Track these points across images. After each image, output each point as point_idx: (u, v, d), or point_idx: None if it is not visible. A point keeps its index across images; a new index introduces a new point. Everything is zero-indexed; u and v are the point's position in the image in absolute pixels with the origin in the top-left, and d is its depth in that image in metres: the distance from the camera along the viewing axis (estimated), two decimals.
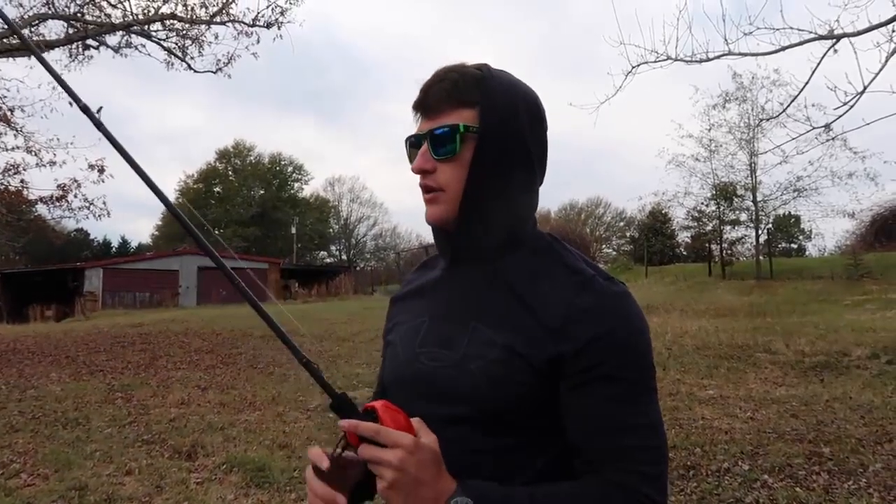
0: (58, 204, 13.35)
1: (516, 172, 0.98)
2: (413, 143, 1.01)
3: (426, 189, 0.99)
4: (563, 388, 0.90)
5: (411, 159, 1.00)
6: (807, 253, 34.24)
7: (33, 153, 13.06)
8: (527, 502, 0.84)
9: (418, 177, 1.00)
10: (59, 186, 13.29)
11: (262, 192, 54.51)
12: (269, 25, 12.92)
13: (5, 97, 12.49)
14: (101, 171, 13.45)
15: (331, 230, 57.60)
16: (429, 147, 0.97)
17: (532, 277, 0.96)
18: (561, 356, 0.89)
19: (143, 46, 13.15)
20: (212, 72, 13.49)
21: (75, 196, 13.35)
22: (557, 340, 0.89)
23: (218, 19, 12.81)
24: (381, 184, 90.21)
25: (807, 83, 6.40)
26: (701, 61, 6.50)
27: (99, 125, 1.00)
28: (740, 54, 6.34)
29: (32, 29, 11.67)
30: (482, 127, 0.95)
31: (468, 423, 0.92)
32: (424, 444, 0.84)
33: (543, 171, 1.04)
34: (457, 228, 0.99)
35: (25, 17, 11.27)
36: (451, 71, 0.98)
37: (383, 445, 0.82)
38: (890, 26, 5.52)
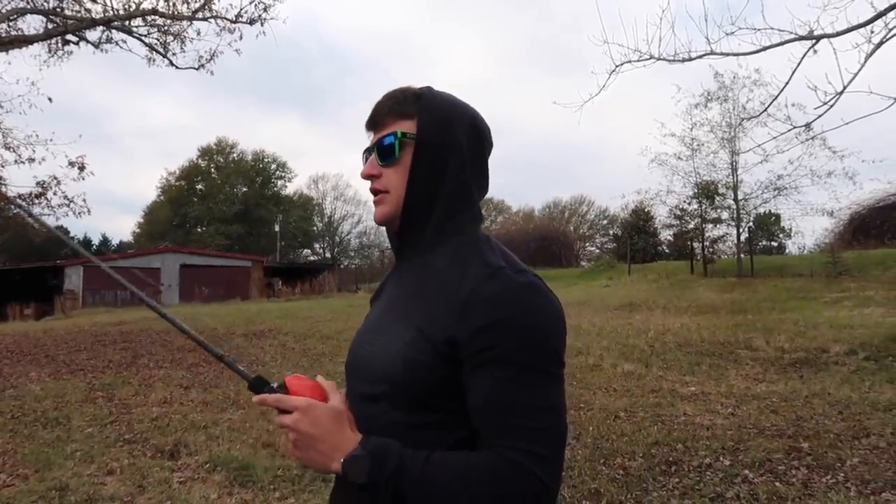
0: (37, 201, 13.17)
1: (450, 177, 1.09)
2: (366, 157, 1.15)
3: (374, 192, 1.13)
4: (463, 371, 0.97)
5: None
6: (787, 251, 34.66)
7: (12, 150, 12.91)
8: (420, 461, 0.93)
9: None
10: (38, 183, 13.14)
11: (245, 189, 54.22)
12: (252, 22, 12.84)
13: None
14: (82, 168, 13.32)
15: (314, 228, 57.40)
16: (375, 156, 1.11)
17: (448, 267, 1.04)
18: (457, 338, 0.96)
19: (124, 42, 13.01)
20: (194, 68, 13.39)
21: (55, 193, 13.21)
22: (457, 324, 0.96)
23: (200, 15, 12.70)
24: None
25: (787, 83, 6.49)
26: (683, 61, 6.57)
27: None
28: (722, 54, 6.41)
29: (10, 24, 11.50)
30: (419, 134, 1.08)
31: (386, 400, 1.02)
32: (319, 404, 0.99)
33: (481, 183, 1.15)
34: (399, 226, 1.12)
35: (3, 11, 11.09)
36: (395, 90, 1.13)
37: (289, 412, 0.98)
38: (868, 27, 5.60)
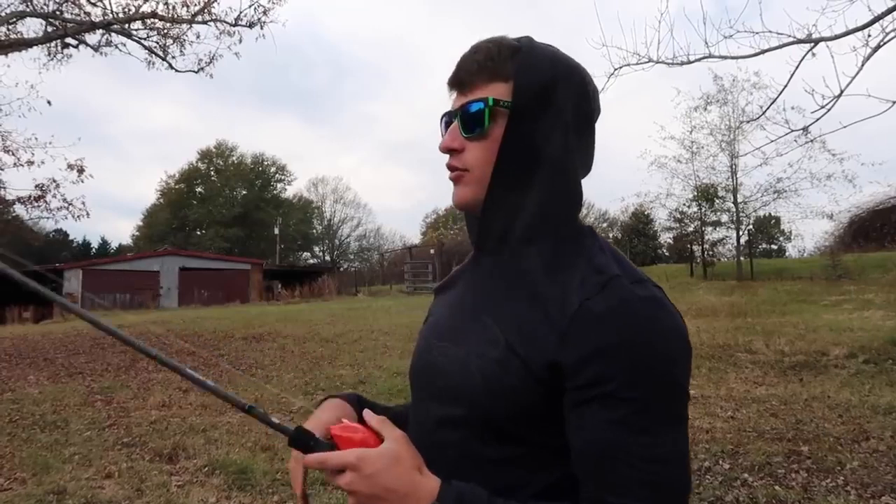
0: (36, 204, 13.19)
1: (550, 155, 0.88)
2: (447, 122, 0.94)
3: (451, 168, 0.92)
4: (565, 403, 0.79)
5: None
6: (787, 254, 34.73)
7: (11, 153, 12.92)
8: None
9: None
10: (37, 186, 13.14)
11: (244, 192, 54.22)
12: (251, 25, 12.85)
13: None
14: (81, 171, 13.33)
15: (314, 231, 57.41)
16: (459, 124, 0.91)
17: (549, 271, 0.86)
18: (561, 364, 0.78)
19: (124, 45, 13.02)
20: (193, 71, 13.40)
21: (54, 196, 13.23)
22: (560, 345, 0.79)
23: (200, 18, 12.72)
24: (365, 184, 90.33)
25: (785, 86, 6.48)
26: (682, 64, 6.55)
27: None
28: (720, 57, 6.40)
29: (10, 27, 11.51)
30: (515, 101, 0.87)
31: (465, 427, 0.86)
32: (372, 453, 0.78)
33: (586, 159, 0.95)
34: (483, 214, 0.92)
35: (2, 14, 11.10)
36: (487, 42, 0.91)
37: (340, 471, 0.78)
38: (866, 31, 5.60)
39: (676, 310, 0.83)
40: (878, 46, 5.59)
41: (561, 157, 0.89)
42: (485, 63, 0.88)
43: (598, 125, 0.97)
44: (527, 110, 0.87)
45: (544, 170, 0.88)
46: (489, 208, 0.90)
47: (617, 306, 0.78)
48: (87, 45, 12.80)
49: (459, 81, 0.91)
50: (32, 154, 12.98)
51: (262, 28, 12.88)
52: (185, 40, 13.14)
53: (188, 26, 12.96)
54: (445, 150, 0.92)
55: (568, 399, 0.79)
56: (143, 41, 12.98)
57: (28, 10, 11.46)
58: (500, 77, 0.88)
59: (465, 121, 0.89)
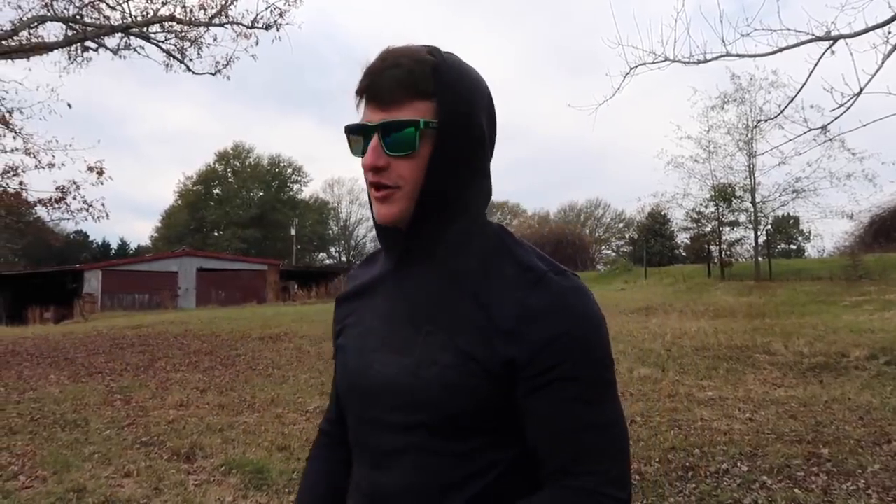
0: (56, 206, 13.35)
1: (474, 165, 0.93)
2: (355, 130, 0.92)
3: (378, 186, 0.90)
4: (519, 391, 0.86)
5: (355, 150, 0.93)
6: (806, 254, 34.32)
7: (32, 155, 13.07)
8: None
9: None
10: (57, 188, 13.30)
11: (261, 193, 54.55)
12: (267, 27, 12.94)
13: (4, 99, 12.50)
14: (100, 172, 13.47)
15: (330, 232, 57.65)
16: (380, 140, 0.88)
17: (483, 276, 0.90)
18: (515, 359, 0.85)
19: (142, 48, 13.16)
20: (211, 73, 13.51)
21: (74, 198, 13.37)
22: (511, 342, 0.85)
23: (216, 21, 12.82)
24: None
25: (804, 85, 6.42)
26: (699, 62, 6.51)
27: None
28: (738, 56, 6.35)
29: (31, 31, 11.68)
30: (441, 122, 0.88)
31: (426, 430, 0.89)
32: None
33: (493, 150, 0.98)
34: (411, 227, 0.92)
35: (24, 18, 11.27)
36: (402, 55, 0.89)
37: None
38: (886, 28, 5.53)
39: (589, 289, 0.92)
40: None
41: (484, 166, 0.95)
42: (406, 80, 0.87)
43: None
44: (452, 128, 0.89)
45: (473, 181, 0.94)
46: (419, 223, 0.91)
47: (553, 300, 0.86)
48: (107, 48, 12.95)
49: (378, 95, 0.89)
50: (53, 156, 13.16)
51: (278, 30, 12.98)
52: (202, 43, 13.26)
53: (205, 29, 13.08)
54: (371, 167, 0.89)
55: (522, 388, 0.86)
56: (161, 44, 13.12)
57: (49, 14, 11.62)
58: (422, 95, 0.87)
59: (393, 140, 0.88)
